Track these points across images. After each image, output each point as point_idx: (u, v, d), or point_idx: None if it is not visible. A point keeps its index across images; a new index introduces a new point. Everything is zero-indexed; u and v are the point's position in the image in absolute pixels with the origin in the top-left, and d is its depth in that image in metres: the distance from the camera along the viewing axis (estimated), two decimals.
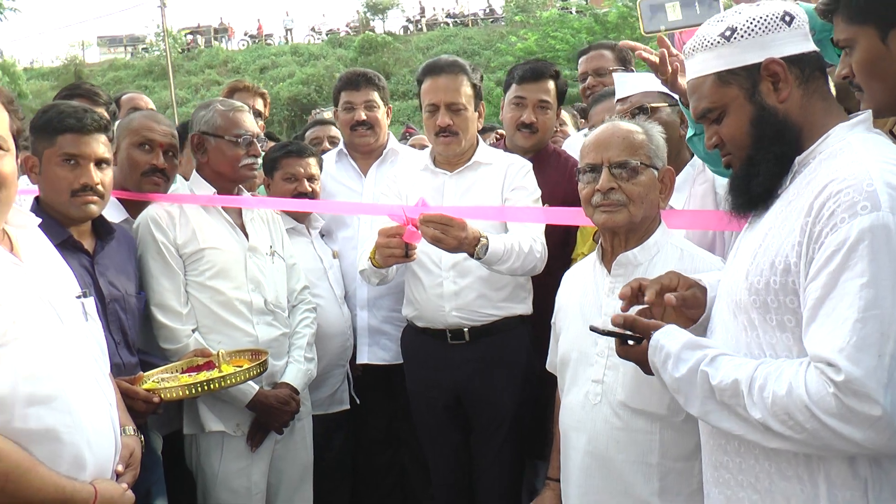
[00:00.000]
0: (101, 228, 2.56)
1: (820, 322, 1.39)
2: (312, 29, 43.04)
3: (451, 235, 2.63)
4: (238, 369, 2.57)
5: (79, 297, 1.97)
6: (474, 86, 3.08)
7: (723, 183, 2.42)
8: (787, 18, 1.57)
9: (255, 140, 2.97)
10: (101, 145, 2.47)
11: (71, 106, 2.49)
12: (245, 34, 42.99)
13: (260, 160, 3.10)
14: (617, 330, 1.77)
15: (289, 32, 42.69)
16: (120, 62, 40.18)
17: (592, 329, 1.86)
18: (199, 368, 2.60)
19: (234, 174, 2.96)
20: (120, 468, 1.90)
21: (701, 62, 1.62)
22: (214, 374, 2.54)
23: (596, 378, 2.11)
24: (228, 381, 2.52)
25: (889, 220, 1.34)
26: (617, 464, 2.05)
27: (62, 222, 2.41)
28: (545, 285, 2.93)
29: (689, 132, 2.37)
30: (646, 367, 1.73)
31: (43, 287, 1.81)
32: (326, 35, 41.11)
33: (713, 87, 1.61)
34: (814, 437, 1.38)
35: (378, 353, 3.47)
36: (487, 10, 42.77)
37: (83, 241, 2.47)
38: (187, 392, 2.47)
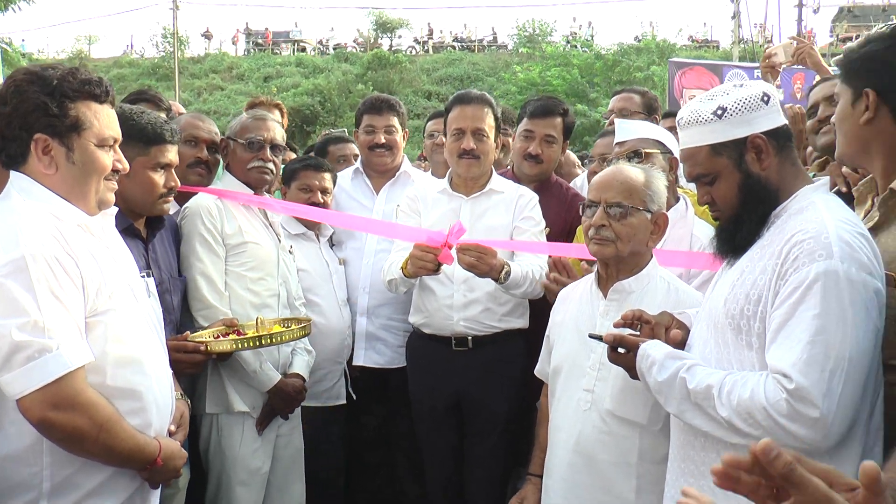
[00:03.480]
0: (154, 218, 2.79)
1: (779, 342, 1.73)
2: (320, 42, 43.47)
3: (485, 262, 2.97)
4: (285, 329, 2.83)
5: (142, 276, 2.26)
6: (496, 118, 3.40)
7: (702, 229, 2.75)
8: (766, 98, 1.90)
9: (266, 145, 3.17)
10: (176, 153, 2.76)
11: (158, 118, 2.73)
12: (252, 42, 43.33)
13: (270, 166, 3.24)
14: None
15: (296, 44, 43.08)
16: (125, 60, 40.39)
17: (592, 336, 2.18)
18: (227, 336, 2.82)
19: (244, 176, 3.18)
20: (172, 428, 2.20)
21: (696, 135, 1.94)
22: (263, 331, 2.79)
23: (587, 387, 2.38)
24: (278, 339, 2.78)
25: (838, 267, 1.69)
26: (600, 463, 2.33)
27: (126, 213, 2.62)
28: (537, 303, 3.26)
29: None
30: (632, 373, 2.05)
31: (121, 266, 2.10)
32: (334, 49, 41.51)
33: (707, 157, 1.94)
34: (768, 432, 1.69)
35: (373, 356, 3.72)
36: (492, 38, 43.34)
37: (139, 229, 2.73)
38: (237, 346, 2.71)
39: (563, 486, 2.40)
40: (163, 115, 3.67)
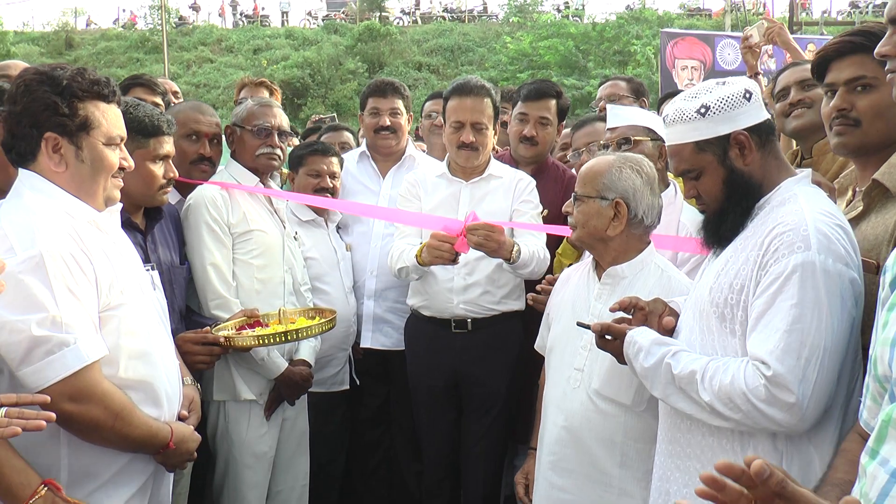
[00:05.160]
0: (151, 209, 2.83)
1: (759, 330, 1.82)
2: (308, 13, 43.08)
3: (493, 240, 3.03)
4: (311, 323, 2.89)
5: (147, 269, 2.33)
6: (495, 107, 3.45)
7: (690, 216, 2.81)
8: (748, 95, 1.96)
9: (273, 132, 3.20)
10: (173, 144, 2.79)
11: (154, 109, 2.75)
12: (241, 14, 42.88)
13: (278, 152, 3.27)
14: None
15: (285, 15, 42.66)
16: (112, 32, 39.87)
17: (580, 324, 2.28)
18: (250, 327, 2.90)
19: (252, 162, 3.20)
20: (184, 413, 2.30)
21: (680, 132, 2.01)
22: (290, 327, 2.84)
23: (578, 367, 2.48)
24: (303, 334, 2.85)
25: (815, 259, 1.77)
26: (587, 439, 2.42)
27: (124, 206, 2.62)
28: (534, 285, 3.30)
29: None
30: (620, 359, 2.14)
31: (128, 261, 2.18)
32: (322, 20, 41.12)
33: (691, 154, 2.00)
34: (747, 416, 1.80)
35: (380, 338, 3.80)
36: (482, 7, 42.99)
37: (136, 221, 2.76)
38: (262, 342, 2.78)
39: (552, 459, 2.50)
40: (158, 99, 3.70)
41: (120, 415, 1.98)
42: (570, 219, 2.54)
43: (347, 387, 3.76)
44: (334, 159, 3.70)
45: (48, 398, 1.78)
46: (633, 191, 2.43)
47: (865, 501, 1.18)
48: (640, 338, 2.05)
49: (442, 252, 3.09)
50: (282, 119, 3.29)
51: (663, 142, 2.94)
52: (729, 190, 1.98)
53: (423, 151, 4.49)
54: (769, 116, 2.02)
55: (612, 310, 2.25)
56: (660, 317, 2.17)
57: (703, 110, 1.95)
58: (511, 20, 34.46)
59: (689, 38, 12.14)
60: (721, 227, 2.01)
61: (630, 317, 2.22)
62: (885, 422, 1.21)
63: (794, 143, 3.21)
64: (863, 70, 2.06)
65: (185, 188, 3.17)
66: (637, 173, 2.45)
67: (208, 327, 2.84)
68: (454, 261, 3.13)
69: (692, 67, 11.60)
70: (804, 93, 2.95)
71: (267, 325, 2.95)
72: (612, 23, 26.85)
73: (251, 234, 3.11)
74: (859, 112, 2.08)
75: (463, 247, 3.06)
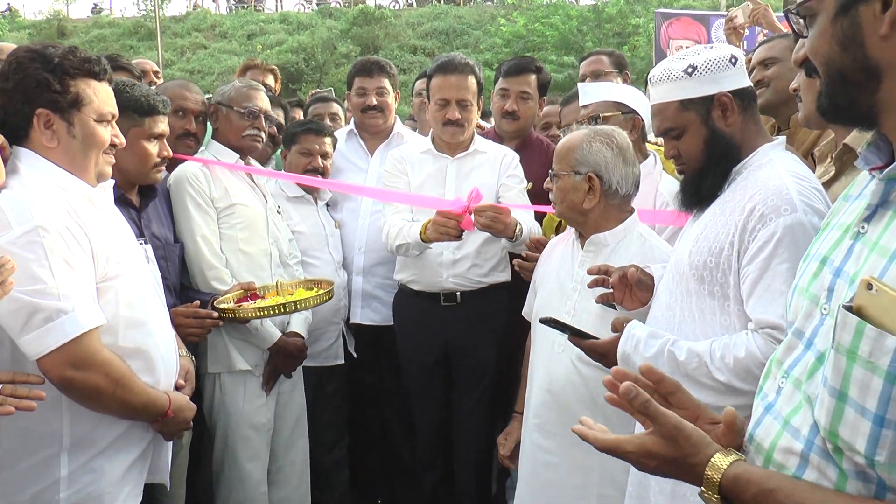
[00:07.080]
0: (145, 187, 2.87)
1: (758, 296, 1.85)
2: None
3: (500, 222, 3.07)
4: (311, 294, 2.95)
5: (140, 243, 2.39)
6: (479, 83, 3.50)
7: (667, 186, 2.87)
8: (733, 60, 2.03)
9: (261, 115, 3.27)
10: (167, 123, 2.84)
11: (149, 89, 2.81)
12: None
13: (263, 134, 3.35)
14: (568, 325, 2.28)
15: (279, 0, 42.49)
16: (105, 20, 39.62)
17: (542, 321, 2.30)
18: (247, 300, 2.96)
19: (237, 142, 3.25)
20: (181, 382, 2.36)
21: (666, 90, 2.07)
22: (289, 298, 2.92)
23: None
24: (303, 305, 2.92)
25: (803, 219, 1.83)
26: (570, 402, 2.49)
27: (118, 183, 2.65)
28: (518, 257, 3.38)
29: None
30: (605, 361, 2.18)
31: (122, 234, 2.23)
32: (317, 5, 40.94)
33: (675, 112, 2.06)
34: None
35: (369, 314, 3.83)
36: None
37: (131, 198, 2.81)
38: (263, 313, 2.85)
39: (538, 422, 2.58)
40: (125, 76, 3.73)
41: (120, 382, 2.05)
42: (550, 195, 2.62)
43: (342, 361, 3.78)
44: (327, 139, 3.72)
45: (42, 379, 1.87)
46: (605, 163, 2.50)
47: (748, 434, 1.24)
48: (636, 331, 2.08)
49: (448, 229, 3.11)
50: (267, 104, 3.36)
51: (635, 114, 3.01)
52: (709, 150, 2.03)
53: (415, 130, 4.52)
54: (751, 84, 2.09)
55: (590, 285, 2.30)
56: (628, 275, 2.21)
57: (689, 70, 2.01)
58: (507, 2, 34.25)
59: (683, 18, 12.11)
60: (700, 188, 2.06)
61: (611, 290, 2.26)
62: (771, 360, 1.27)
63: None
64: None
65: (170, 164, 3.18)
66: (608, 146, 2.52)
67: (197, 301, 2.87)
68: (459, 237, 3.16)
69: (687, 47, 11.59)
70: (763, 72, 3.07)
71: (264, 298, 3.00)
72: (612, 3, 26.67)
73: (234, 208, 3.15)
74: None
75: (469, 225, 3.10)
